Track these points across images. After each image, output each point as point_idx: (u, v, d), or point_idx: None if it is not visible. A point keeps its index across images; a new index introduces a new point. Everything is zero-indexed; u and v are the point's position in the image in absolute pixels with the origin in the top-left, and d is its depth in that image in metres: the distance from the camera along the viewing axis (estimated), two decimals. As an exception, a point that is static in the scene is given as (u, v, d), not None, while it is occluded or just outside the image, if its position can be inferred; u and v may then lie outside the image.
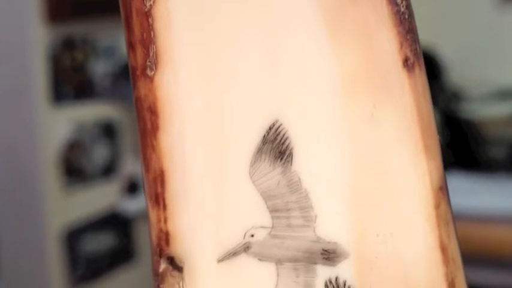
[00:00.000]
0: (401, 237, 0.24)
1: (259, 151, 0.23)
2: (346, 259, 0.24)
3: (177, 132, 0.23)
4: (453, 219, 0.24)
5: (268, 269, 0.24)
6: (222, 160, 0.24)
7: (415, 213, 0.24)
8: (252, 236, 0.24)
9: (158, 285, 0.24)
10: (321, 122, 0.24)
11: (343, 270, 0.24)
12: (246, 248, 0.24)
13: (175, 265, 0.24)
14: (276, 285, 0.24)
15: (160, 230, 0.24)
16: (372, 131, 0.23)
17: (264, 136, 0.24)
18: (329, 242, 0.24)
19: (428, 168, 0.24)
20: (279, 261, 0.24)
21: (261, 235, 0.24)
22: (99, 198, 1.46)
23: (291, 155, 0.24)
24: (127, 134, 1.51)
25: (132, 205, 1.48)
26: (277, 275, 0.24)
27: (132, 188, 1.52)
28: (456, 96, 1.60)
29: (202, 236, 0.24)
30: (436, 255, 0.24)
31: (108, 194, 1.48)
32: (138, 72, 0.24)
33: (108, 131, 1.49)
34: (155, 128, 0.23)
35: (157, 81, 0.23)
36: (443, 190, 0.24)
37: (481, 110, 1.57)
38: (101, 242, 1.47)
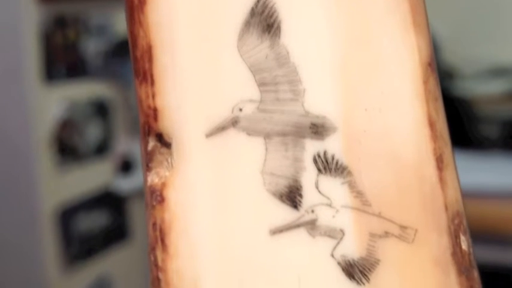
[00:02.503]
0: (390, 112, 0.24)
1: (247, 24, 0.23)
2: (334, 133, 0.24)
3: (165, 6, 0.23)
4: (441, 97, 0.24)
5: (256, 144, 0.24)
6: (210, 34, 0.24)
7: (403, 87, 0.24)
8: (240, 110, 0.23)
9: (147, 165, 0.24)
10: (309, -4, 0.23)
11: (331, 145, 0.24)
12: (234, 122, 0.23)
13: (164, 141, 0.24)
14: (265, 159, 0.24)
15: (149, 107, 0.24)
16: (360, 3, 0.23)
17: (252, 9, 0.23)
18: (317, 116, 0.24)
19: (417, 43, 0.24)
20: (267, 136, 0.24)
21: (249, 109, 0.23)
22: (93, 177, 1.46)
23: (279, 28, 0.24)
24: (120, 113, 1.51)
25: (125, 184, 1.48)
26: (266, 149, 0.24)
27: (126, 166, 1.51)
28: (449, 74, 1.61)
29: (190, 110, 0.23)
30: (425, 130, 0.24)
31: (102, 173, 1.47)
32: None
33: (101, 109, 1.49)
34: (142, 3, 0.23)
35: (144, -46, 0.23)
36: (432, 66, 0.24)
37: (474, 88, 1.57)
38: (94, 221, 1.47)
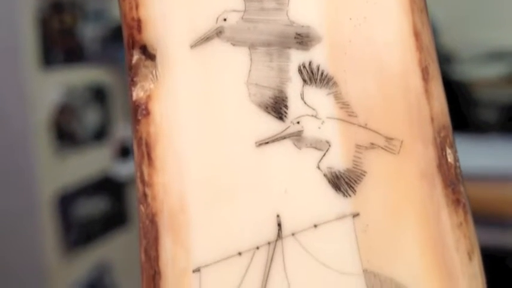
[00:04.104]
0: (375, 21, 0.23)
1: None
2: (319, 43, 0.24)
3: None
4: (426, 8, 0.24)
5: (241, 54, 0.23)
6: None
7: (388, -3, 0.24)
8: (225, 20, 0.23)
9: (132, 79, 0.24)
10: None
11: (316, 55, 0.24)
12: (218, 32, 0.23)
13: (148, 54, 0.23)
14: (250, 70, 0.23)
15: (132, 18, 0.23)
16: None
17: None
18: (302, 26, 0.23)
19: (401, -48, 0.24)
20: (252, 46, 0.24)
21: (233, 19, 0.23)
22: (91, 162, 1.45)
23: None
24: (118, 98, 1.51)
25: (124, 169, 1.48)
26: (251, 60, 0.24)
27: (124, 152, 1.51)
28: (447, 58, 1.60)
29: (175, 21, 0.23)
30: (410, 41, 0.24)
31: (100, 159, 1.47)
32: None
33: (99, 94, 1.49)
34: None
35: None
36: (416, -23, 0.24)
37: (472, 72, 1.57)
38: (93, 207, 1.47)
